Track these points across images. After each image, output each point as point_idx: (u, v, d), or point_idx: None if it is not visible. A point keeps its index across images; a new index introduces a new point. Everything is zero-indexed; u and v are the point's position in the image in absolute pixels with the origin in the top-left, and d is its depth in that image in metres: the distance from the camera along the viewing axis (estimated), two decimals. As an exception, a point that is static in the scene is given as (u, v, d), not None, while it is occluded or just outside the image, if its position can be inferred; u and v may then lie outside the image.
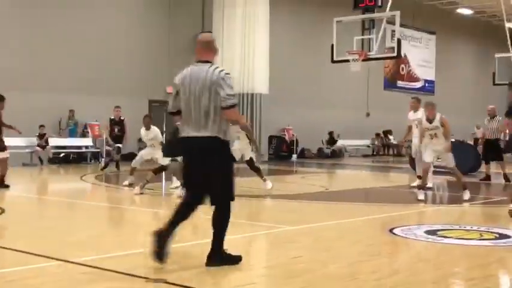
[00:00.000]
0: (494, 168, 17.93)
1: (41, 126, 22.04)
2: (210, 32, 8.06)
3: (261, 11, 25.45)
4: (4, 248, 7.04)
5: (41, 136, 22.05)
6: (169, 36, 25.80)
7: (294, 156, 28.14)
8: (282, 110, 27.92)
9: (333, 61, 20.59)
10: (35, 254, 6.60)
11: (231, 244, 6.23)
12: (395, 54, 20.09)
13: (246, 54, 25.55)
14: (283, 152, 28.14)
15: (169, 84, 7.29)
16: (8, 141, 19.77)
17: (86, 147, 23.66)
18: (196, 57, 6.01)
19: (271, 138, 27.84)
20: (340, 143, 30.62)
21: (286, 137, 28.24)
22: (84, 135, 23.62)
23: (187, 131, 5.93)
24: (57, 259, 6.35)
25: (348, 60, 20.08)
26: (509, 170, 17.52)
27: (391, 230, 8.49)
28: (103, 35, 23.98)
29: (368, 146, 33.23)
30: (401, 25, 20.76)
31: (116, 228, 9.40)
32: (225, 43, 25.28)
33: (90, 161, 23.34)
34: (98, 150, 23.13)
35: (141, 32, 25.08)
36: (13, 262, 6.35)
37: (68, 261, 6.22)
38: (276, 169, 21.95)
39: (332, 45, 20.16)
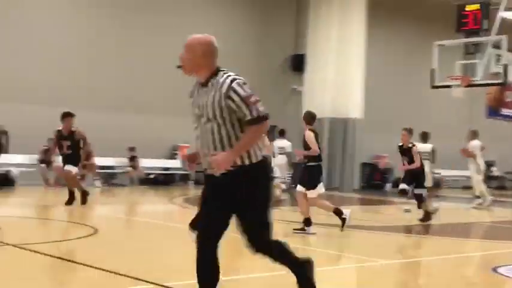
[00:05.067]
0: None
1: (131, 148, 21.74)
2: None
3: (356, 32, 24.78)
4: (93, 267, 6.88)
5: (131, 158, 21.89)
6: (258, 60, 25.02)
7: (388, 185, 26.25)
8: (376, 136, 26.06)
9: (432, 86, 19.85)
10: (124, 275, 6.42)
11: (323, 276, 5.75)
12: (501, 80, 19.08)
13: (340, 77, 24.73)
14: (375, 180, 26.88)
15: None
16: (100, 161, 20.54)
17: (175, 169, 23.30)
18: None
19: (363, 165, 26.82)
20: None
21: (380, 165, 26.84)
22: (172, 157, 23.28)
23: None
24: (150, 282, 6.13)
25: (449, 86, 19.31)
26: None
27: (494, 269, 7.85)
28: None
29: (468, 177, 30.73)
30: (510, 50, 19.43)
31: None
32: (317, 64, 24.79)
33: (179, 183, 23.16)
34: (187, 172, 22.65)
35: (229, 53, 24.16)
36: (102, 283, 6.19)
37: (161, 285, 5.99)
38: (369, 199, 20.78)
39: (432, 70, 19.45)
